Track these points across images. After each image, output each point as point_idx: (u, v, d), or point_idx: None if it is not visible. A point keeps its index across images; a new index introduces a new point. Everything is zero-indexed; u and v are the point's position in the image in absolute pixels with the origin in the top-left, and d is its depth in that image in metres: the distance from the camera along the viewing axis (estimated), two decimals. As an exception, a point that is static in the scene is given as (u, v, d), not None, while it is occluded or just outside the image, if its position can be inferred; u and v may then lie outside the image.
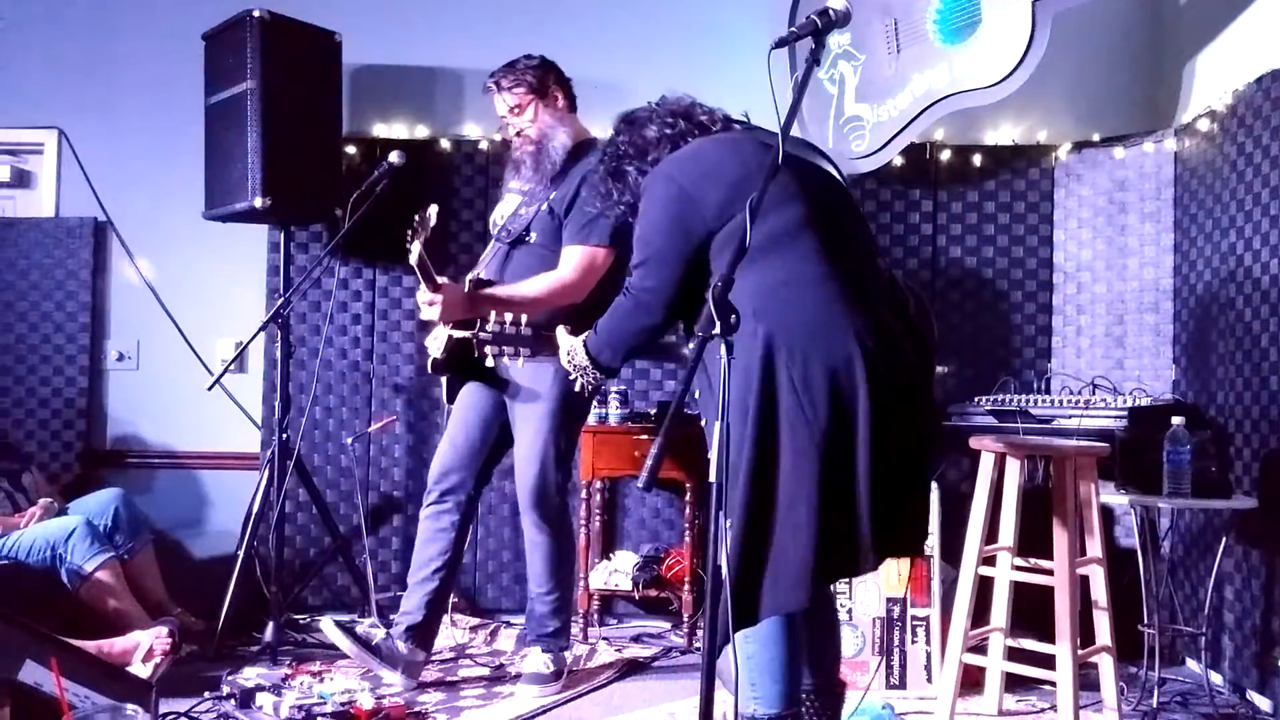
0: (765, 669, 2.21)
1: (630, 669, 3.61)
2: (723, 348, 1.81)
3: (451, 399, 3.39)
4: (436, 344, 3.30)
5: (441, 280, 3.03)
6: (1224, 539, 3.37)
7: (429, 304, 3.04)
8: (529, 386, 3.26)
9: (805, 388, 2.04)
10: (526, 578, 3.44)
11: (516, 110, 3.33)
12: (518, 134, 3.35)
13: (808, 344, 2.07)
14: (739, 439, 2.04)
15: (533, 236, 3.28)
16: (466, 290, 3.09)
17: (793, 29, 2.11)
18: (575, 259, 3.18)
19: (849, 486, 2.05)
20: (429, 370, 3.39)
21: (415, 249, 2.90)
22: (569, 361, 2.37)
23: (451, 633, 3.90)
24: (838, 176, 2.40)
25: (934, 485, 3.45)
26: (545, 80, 3.35)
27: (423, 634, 3.34)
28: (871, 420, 2.05)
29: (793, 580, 2.04)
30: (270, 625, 3.59)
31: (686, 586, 3.85)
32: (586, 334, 2.34)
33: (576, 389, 3.22)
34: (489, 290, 3.15)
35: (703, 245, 2.19)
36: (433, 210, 2.92)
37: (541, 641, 3.35)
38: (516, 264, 3.29)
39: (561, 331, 2.43)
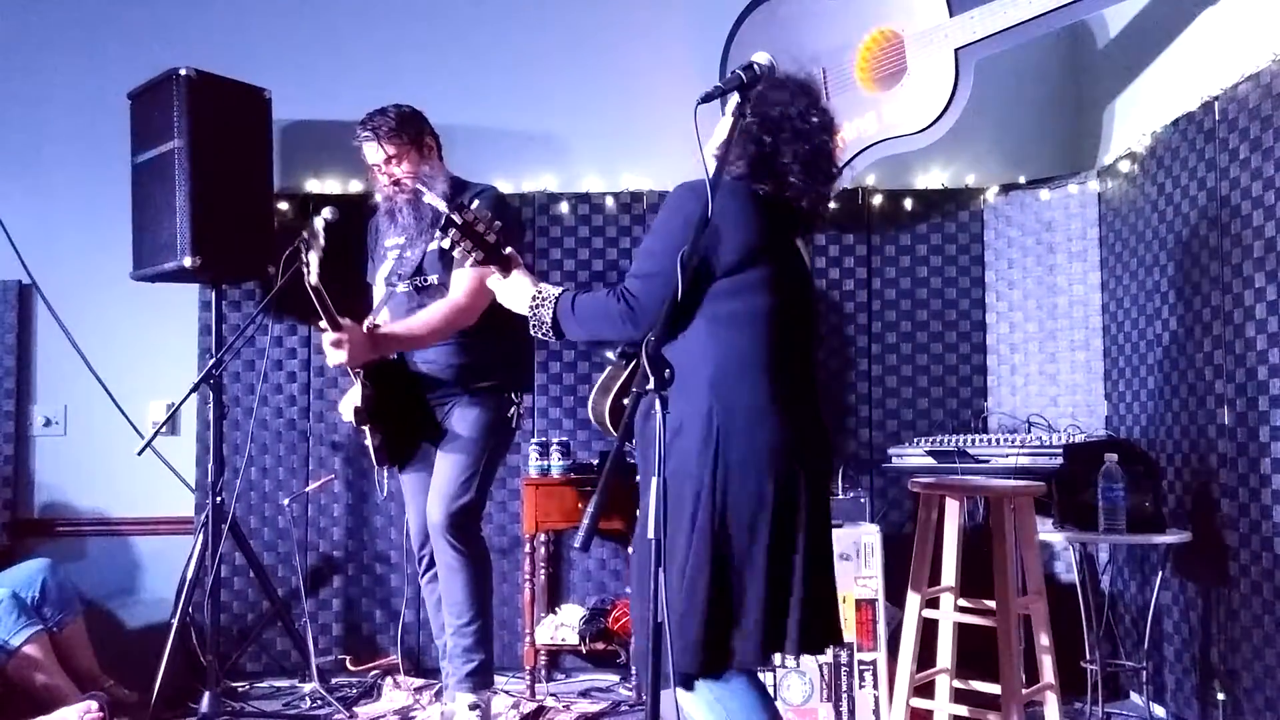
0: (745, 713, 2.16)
1: (578, 725, 3.56)
2: (657, 403, 1.82)
3: (380, 462, 3.33)
4: (349, 403, 3.26)
5: (343, 320, 3.02)
6: (1160, 573, 3.42)
7: (335, 344, 3.01)
8: (459, 411, 3.27)
9: (745, 469, 2.10)
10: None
11: (394, 160, 3.29)
12: (394, 183, 3.32)
13: (753, 427, 2.12)
14: (694, 496, 2.10)
15: (432, 278, 3.27)
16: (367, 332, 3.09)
17: (718, 84, 2.14)
18: (466, 282, 3.16)
19: (789, 566, 2.14)
20: (353, 423, 3.28)
21: (313, 267, 2.82)
22: (531, 307, 2.26)
23: (394, 695, 3.82)
24: (806, 267, 2.41)
25: (876, 528, 3.47)
26: (421, 130, 3.35)
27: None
28: (809, 507, 2.16)
29: (755, 641, 2.10)
30: (206, 695, 3.49)
31: (633, 638, 3.80)
32: (561, 292, 2.25)
33: (508, 415, 3.29)
34: (389, 328, 3.17)
35: (707, 283, 2.15)
36: (321, 219, 2.88)
37: (467, 683, 3.23)
38: (422, 307, 3.26)
39: (523, 273, 2.31)
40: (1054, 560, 4.03)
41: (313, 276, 2.86)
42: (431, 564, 3.39)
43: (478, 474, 3.23)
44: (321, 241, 2.86)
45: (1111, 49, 4.12)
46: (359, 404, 3.20)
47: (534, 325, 2.26)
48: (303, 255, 2.85)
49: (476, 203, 2.25)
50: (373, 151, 3.32)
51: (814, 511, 2.18)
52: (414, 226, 3.29)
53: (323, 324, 3.01)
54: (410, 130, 3.30)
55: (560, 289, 2.27)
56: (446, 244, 2.24)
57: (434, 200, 3.22)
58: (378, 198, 3.45)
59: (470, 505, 3.22)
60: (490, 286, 2.36)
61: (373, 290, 3.47)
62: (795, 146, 2.20)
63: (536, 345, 4.21)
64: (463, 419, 3.27)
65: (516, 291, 2.30)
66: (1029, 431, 3.82)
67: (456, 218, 2.22)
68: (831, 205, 4.11)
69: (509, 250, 2.31)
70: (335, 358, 3.07)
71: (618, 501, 3.64)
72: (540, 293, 2.26)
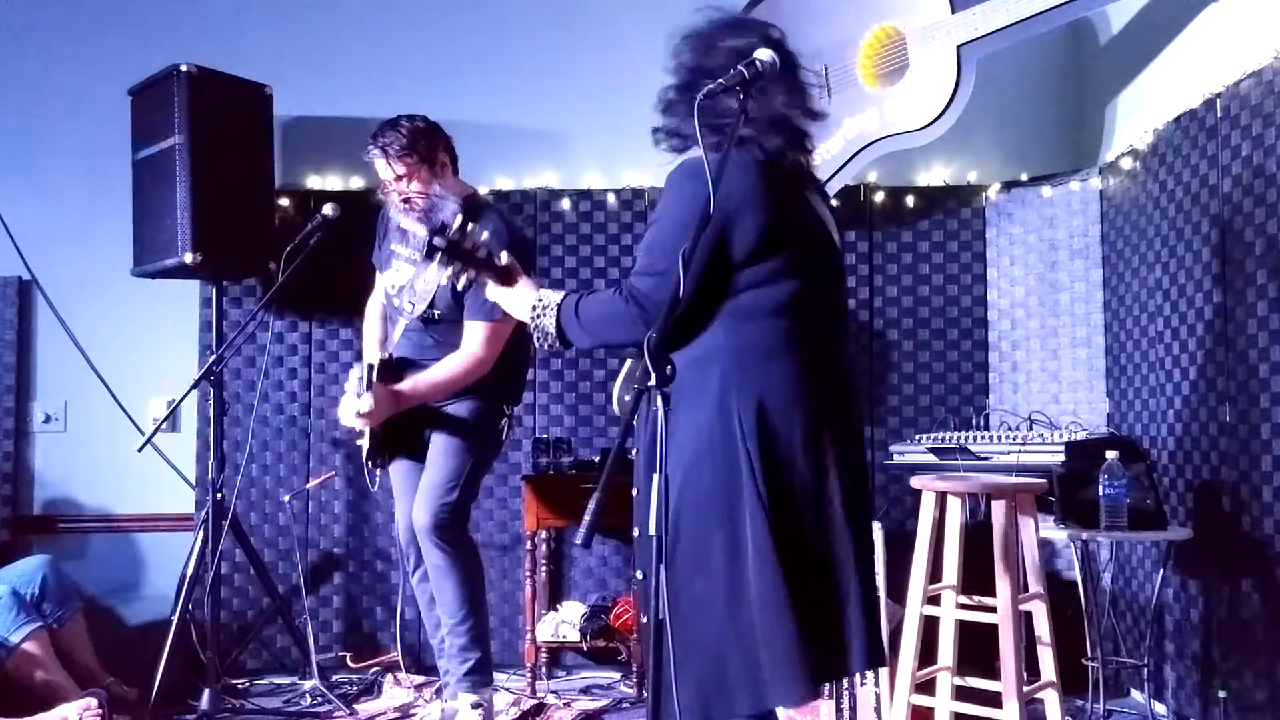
0: None
1: (579, 722, 3.56)
2: (658, 399, 1.80)
3: (371, 461, 3.36)
4: (348, 412, 3.26)
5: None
6: (1162, 570, 3.41)
7: (360, 414, 3.09)
8: (450, 413, 3.29)
9: (767, 472, 1.98)
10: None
11: (404, 179, 3.20)
12: (405, 201, 3.24)
13: (774, 421, 2.00)
14: (735, 506, 1.98)
15: (438, 312, 3.27)
16: (382, 381, 3.15)
17: (720, 80, 2.12)
18: (481, 334, 3.18)
19: (824, 578, 2.02)
20: (365, 461, 3.38)
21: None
22: (532, 317, 2.11)
23: (394, 692, 3.81)
24: (835, 237, 2.26)
25: (877, 525, 3.46)
26: (433, 146, 3.24)
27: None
28: (845, 510, 2.03)
29: (787, 673, 1.94)
30: (206, 692, 3.49)
31: (635, 635, 3.80)
32: (565, 298, 2.10)
33: (498, 425, 3.34)
34: (411, 385, 3.20)
35: (729, 273, 2.03)
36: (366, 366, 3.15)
37: (466, 682, 3.22)
38: (434, 342, 3.30)
39: (526, 282, 2.18)
40: (1055, 557, 4.02)
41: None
42: (420, 562, 3.39)
43: (463, 477, 3.24)
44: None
45: (1114, 45, 4.11)
46: (368, 447, 3.30)
47: (538, 337, 2.12)
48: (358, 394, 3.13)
49: (458, 218, 2.17)
50: (382, 169, 3.24)
51: (854, 516, 2.05)
52: (425, 249, 3.27)
53: (347, 396, 3.15)
54: (421, 148, 3.20)
55: (560, 294, 2.12)
56: (434, 270, 2.19)
57: (414, 227, 3.24)
58: (380, 195, 3.45)
59: (454, 506, 3.22)
60: (491, 298, 2.23)
61: (376, 274, 3.51)
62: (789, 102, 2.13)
63: (535, 354, 4.19)
64: (452, 428, 3.28)
65: (520, 302, 2.16)
66: (1030, 429, 3.82)
67: (439, 241, 2.12)
68: (833, 203, 4.13)
69: (506, 261, 2.17)
70: (358, 424, 3.16)
71: (619, 498, 3.64)
72: (540, 300, 2.10)
